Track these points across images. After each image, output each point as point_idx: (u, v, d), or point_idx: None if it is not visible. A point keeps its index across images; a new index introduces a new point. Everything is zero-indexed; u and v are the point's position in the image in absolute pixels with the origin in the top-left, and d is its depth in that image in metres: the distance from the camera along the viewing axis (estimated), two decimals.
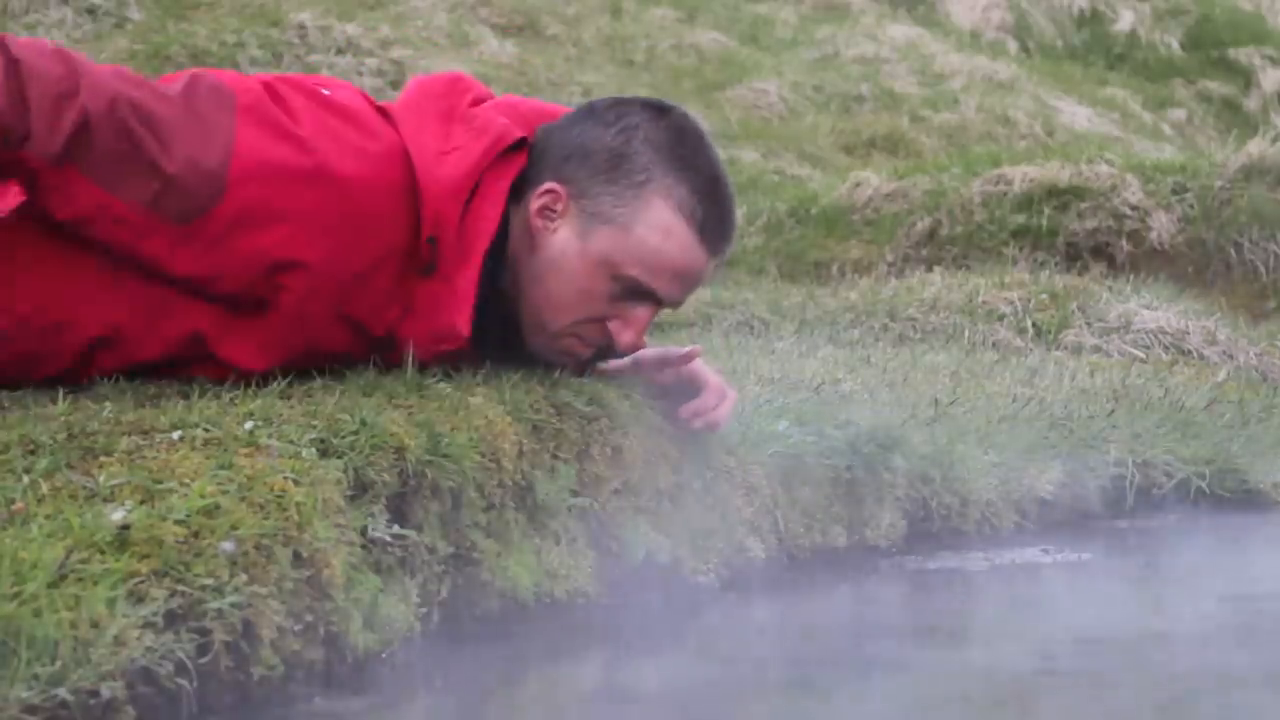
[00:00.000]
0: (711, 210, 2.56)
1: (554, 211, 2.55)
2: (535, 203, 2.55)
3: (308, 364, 2.54)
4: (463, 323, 2.54)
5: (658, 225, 2.53)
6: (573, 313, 2.57)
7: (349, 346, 2.56)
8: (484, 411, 2.46)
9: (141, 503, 1.99)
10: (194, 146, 2.36)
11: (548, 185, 2.55)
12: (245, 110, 2.41)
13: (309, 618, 2.02)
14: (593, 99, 2.72)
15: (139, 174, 2.35)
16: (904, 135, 9.27)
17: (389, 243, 2.48)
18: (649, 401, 2.75)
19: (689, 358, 2.74)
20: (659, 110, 2.60)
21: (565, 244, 2.55)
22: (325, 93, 2.51)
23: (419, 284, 2.52)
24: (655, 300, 2.58)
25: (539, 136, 2.60)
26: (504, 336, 2.62)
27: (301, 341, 2.52)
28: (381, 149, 2.47)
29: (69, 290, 2.44)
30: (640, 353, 2.71)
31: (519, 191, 2.57)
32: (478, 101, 2.60)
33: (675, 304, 2.63)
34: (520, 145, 2.57)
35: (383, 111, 2.55)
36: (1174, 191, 6.60)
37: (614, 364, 2.73)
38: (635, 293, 2.56)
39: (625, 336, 2.58)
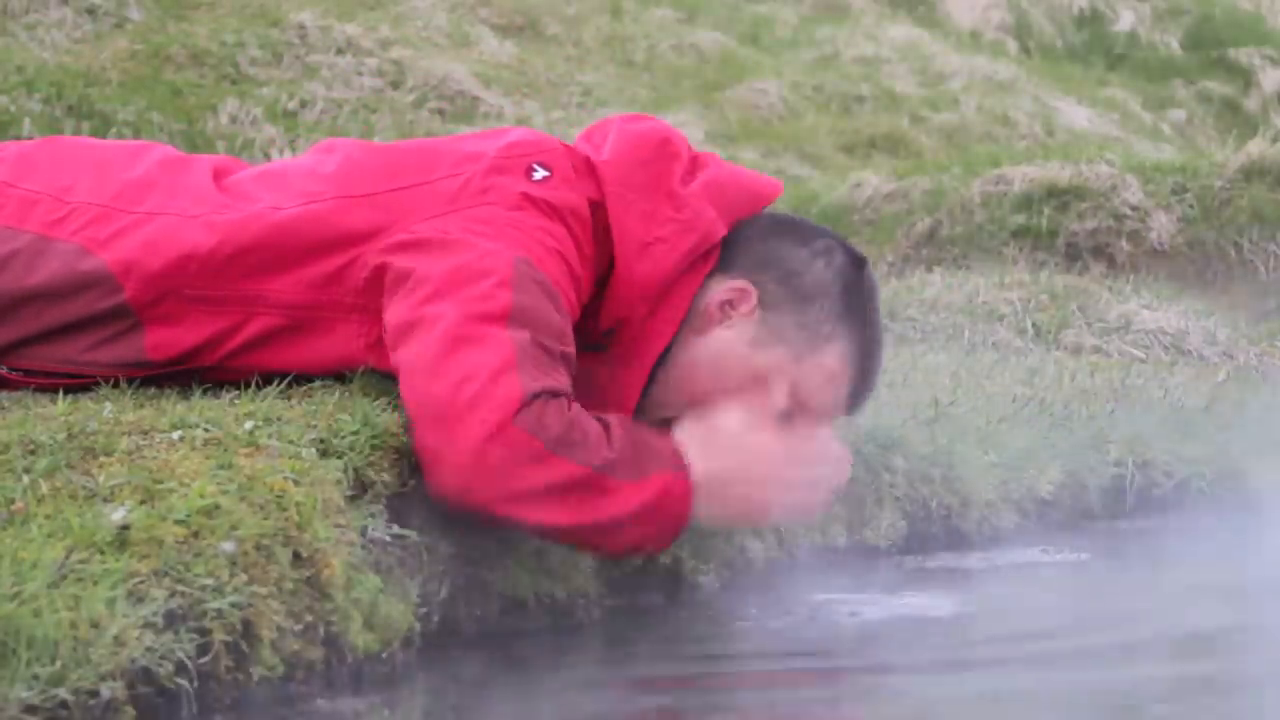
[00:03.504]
0: (866, 373, 2.52)
1: (734, 309, 2.49)
2: (722, 294, 2.49)
3: None
4: None
5: (826, 368, 2.48)
6: None
7: None
8: None
9: (141, 503, 1.99)
10: None
11: (741, 283, 2.49)
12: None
13: (309, 618, 2.02)
14: (792, 215, 2.68)
15: None
16: (904, 135, 9.26)
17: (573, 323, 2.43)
18: None
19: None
20: (856, 257, 2.54)
21: (733, 344, 2.49)
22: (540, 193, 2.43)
23: (584, 356, 2.44)
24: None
25: (735, 228, 2.53)
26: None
27: None
28: (592, 252, 2.45)
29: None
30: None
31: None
32: (688, 172, 2.54)
33: None
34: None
35: (588, 165, 2.49)
36: (1174, 191, 6.58)
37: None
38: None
39: None
